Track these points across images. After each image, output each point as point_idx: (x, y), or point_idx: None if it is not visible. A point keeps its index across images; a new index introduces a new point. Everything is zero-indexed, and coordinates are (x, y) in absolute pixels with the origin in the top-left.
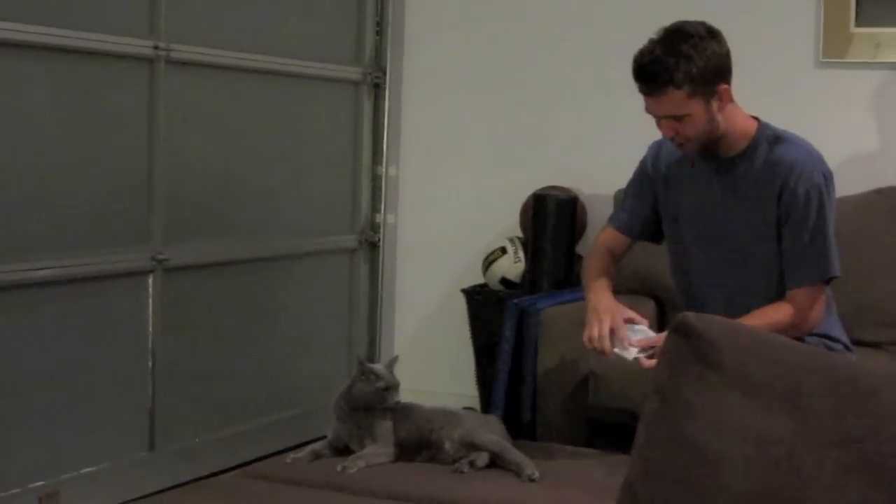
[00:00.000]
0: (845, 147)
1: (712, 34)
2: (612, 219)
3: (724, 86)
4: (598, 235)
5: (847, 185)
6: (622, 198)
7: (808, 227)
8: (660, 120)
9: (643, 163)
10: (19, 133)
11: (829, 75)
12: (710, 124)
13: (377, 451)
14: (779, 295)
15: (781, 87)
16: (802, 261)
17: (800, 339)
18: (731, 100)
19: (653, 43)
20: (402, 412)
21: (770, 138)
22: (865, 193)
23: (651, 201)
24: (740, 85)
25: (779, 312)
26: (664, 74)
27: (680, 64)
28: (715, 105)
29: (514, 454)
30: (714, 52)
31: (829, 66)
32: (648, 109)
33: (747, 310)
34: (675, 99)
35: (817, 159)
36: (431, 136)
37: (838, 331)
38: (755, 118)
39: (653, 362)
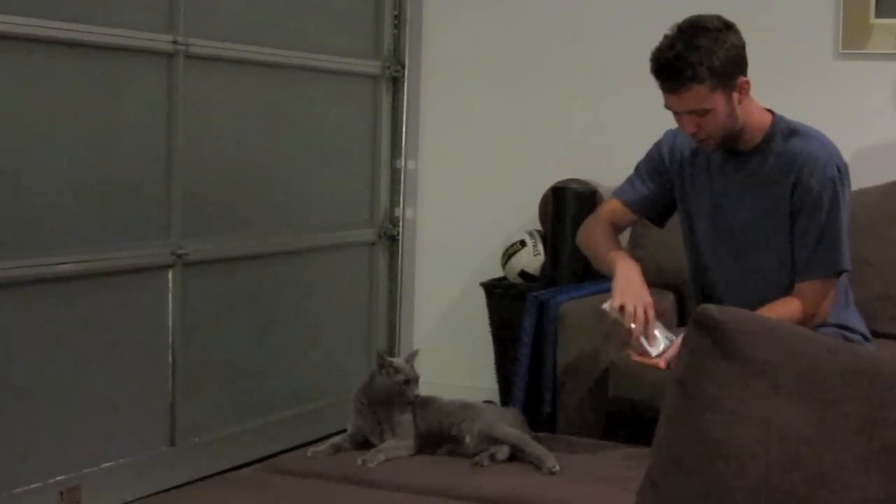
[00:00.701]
0: (865, 138)
1: (729, 27)
2: (618, 192)
3: (744, 78)
4: (602, 206)
5: (867, 176)
6: (632, 174)
7: (820, 220)
8: (681, 116)
9: (658, 146)
10: (39, 129)
11: (849, 66)
12: (731, 118)
13: (397, 445)
14: (793, 288)
15: (801, 78)
16: (813, 255)
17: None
18: (748, 93)
19: (671, 39)
20: (423, 405)
21: (785, 131)
22: (886, 185)
23: (659, 184)
24: (760, 76)
25: (788, 307)
26: (687, 70)
27: (703, 59)
28: (735, 98)
29: (535, 447)
30: (733, 44)
31: (849, 58)
32: (669, 105)
33: (763, 304)
34: (699, 94)
35: (832, 152)
36: (450, 129)
37: (856, 321)
38: (770, 111)
39: (662, 362)
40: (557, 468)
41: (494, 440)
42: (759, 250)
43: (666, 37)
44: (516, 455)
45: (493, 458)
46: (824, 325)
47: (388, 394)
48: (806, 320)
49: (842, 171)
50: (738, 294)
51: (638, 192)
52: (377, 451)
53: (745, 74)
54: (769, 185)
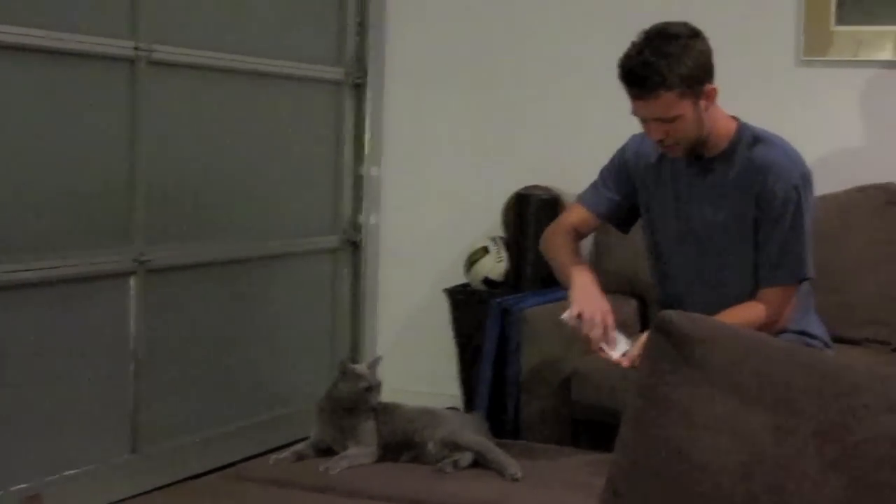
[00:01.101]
0: (827, 145)
1: (696, 34)
2: (581, 198)
3: (711, 86)
4: (565, 212)
5: (829, 183)
6: (596, 179)
7: (783, 227)
8: (648, 123)
9: (623, 151)
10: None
11: (811, 74)
12: (698, 125)
13: (360, 452)
14: (748, 286)
15: (763, 85)
16: (777, 261)
17: (777, 335)
18: (715, 101)
19: (639, 46)
20: (386, 412)
21: (749, 139)
22: (847, 191)
23: (623, 190)
24: (722, 84)
25: (751, 311)
26: (655, 77)
27: (671, 65)
28: (702, 105)
29: (498, 454)
30: (701, 51)
31: (810, 65)
32: (637, 112)
33: (724, 309)
34: (667, 101)
35: (796, 160)
36: (413, 136)
37: (817, 327)
38: (735, 118)
39: (626, 361)
40: (520, 475)
41: (457, 447)
42: (723, 256)
43: (633, 44)
44: (479, 461)
45: (455, 464)
46: (785, 331)
47: (351, 401)
48: (768, 326)
49: (805, 178)
50: (701, 300)
51: (602, 198)
52: (340, 458)
53: (712, 82)
54: (733, 192)
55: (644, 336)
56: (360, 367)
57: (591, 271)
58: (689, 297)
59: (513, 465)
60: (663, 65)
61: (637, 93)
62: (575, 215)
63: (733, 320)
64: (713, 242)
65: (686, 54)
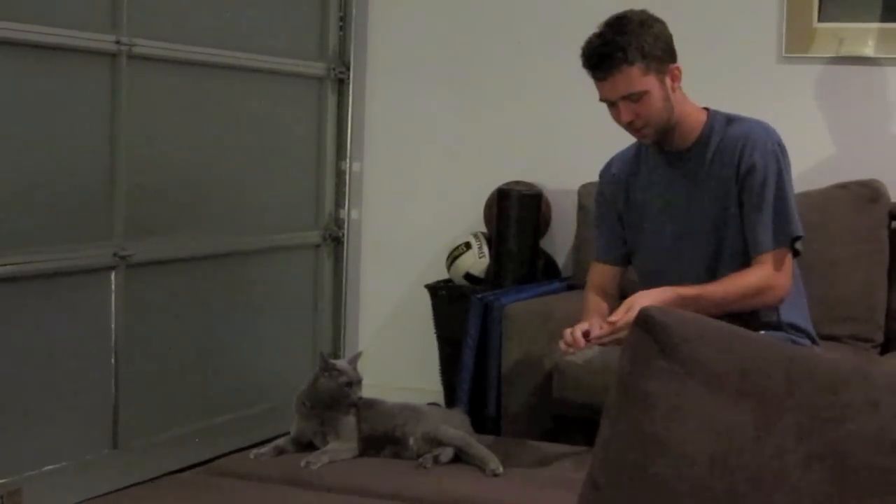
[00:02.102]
0: (808, 142)
1: (656, 19)
2: (595, 255)
3: (675, 65)
4: (589, 275)
5: (809, 179)
6: (595, 236)
7: (767, 192)
8: (616, 106)
9: (599, 192)
10: None
11: (793, 70)
12: (666, 104)
13: (341, 447)
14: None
15: (745, 81)
16: (765, 227)
17: (767, 329)
18: (680, 81)
19: (599, 31)
20: (367, 408)
21: (722, 121)
22: (828, 188)
23: (618, 223)
24: (704, 79)
25: (748, 276)
26: (617, 52)
27: (631, 41)
28: (668, 84)
29: (478, 449)
30: (660, 30)
31: (792, 62)
32: (603, 96)
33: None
34: (631, 76)
35: (769, 130)
36: (395, 131)
37: (804, 321)
38: (705, 108)
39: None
40: (500, 470)
41: (438, 442)
42: (715, 244)
43: (594, 33)
44: (460, 457)
45: (436, 459)
46: (778, 325)
47: (331, 396)
48: (767, 289)
49: (781, 146)
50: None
51: (607, 242)
52: (321, 453)
53: (676, 62)
54: (715, 174)
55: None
56: (341, 363)
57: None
58: None
59: (493, 461)
60: (623, 41)
61: (601, 74)
62: (594, 275)
63: (731, 285)
64: (703, 232)
65: (645, 31)
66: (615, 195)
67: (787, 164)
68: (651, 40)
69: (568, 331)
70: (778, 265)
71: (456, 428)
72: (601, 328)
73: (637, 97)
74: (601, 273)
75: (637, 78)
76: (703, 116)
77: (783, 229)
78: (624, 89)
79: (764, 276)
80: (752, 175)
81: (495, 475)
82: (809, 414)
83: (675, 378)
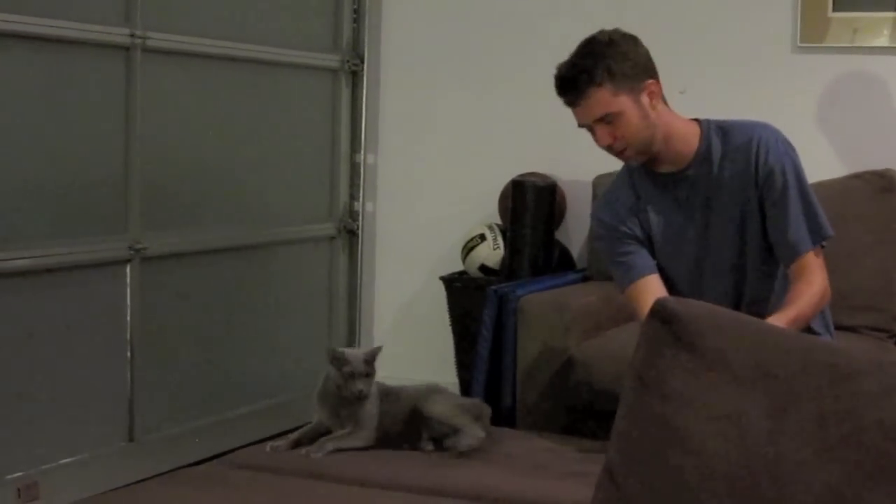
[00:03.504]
0: (823, 132)
1: (626, 38)
2: (625, 280)
3: (651, 81)
4: (636, 310)
5: (825, 169)
6: (619, 271)
7: (791, 194)
8: (594, 130)
9: (608, 229)
10: None
11: (807, 60)
12: (645, 122)
13: (350, 434)
14: (777, 290)
15: (759, 72)
16: (799, 227)
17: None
18: (662, 98)
19: (569, 57)
20: (390, 398)
21: (717, 132)
22: (843, 178)
23: (636, 240)
24: (719, 71)
25: (800, 299)
26: (583, 76)
27: (597, 63)
28: (645, 102)
29: (460, 421)
30: (629, 49)
31: (807, 51)
32: (579, 121)
33: (753, 309)
34: (601, 99)
35: (771, 129)
36: (409, 123)
37: (818, 323)
38: (695, 119)
39: None
40: (473, 445)
41: (423, 417)
42: (736, 262)
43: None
44: (452, 434)
45: (451, 445)
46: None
47: (338, 386)
48: (822, 301)
49: (788, 142)
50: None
51: (640, 258)
52: (325, 441)
53: (652, 78)
54: (727, 189)
55: None
56: (352, 352)
57: None
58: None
59: (467, 438)
60: (589, 63)
61: (571, 99)
62: (643, 295)
63: (798, 311)
64: (722, 252)
65: (611, 52)
66: (624, 222)
67: (799, 160)
68: (619, 59)
69: None
70: (820, 267)
71: (474, 417)
72: None
73: (611, 118)
74: (648, 289)
75: (608, 99)
76: (696, 130)
77: (816, 229)
78: (596, 112)
79: (815, 285)
80: (772, 179)
81: (461, 454)
82: (826, 404)
83: (691, 369)
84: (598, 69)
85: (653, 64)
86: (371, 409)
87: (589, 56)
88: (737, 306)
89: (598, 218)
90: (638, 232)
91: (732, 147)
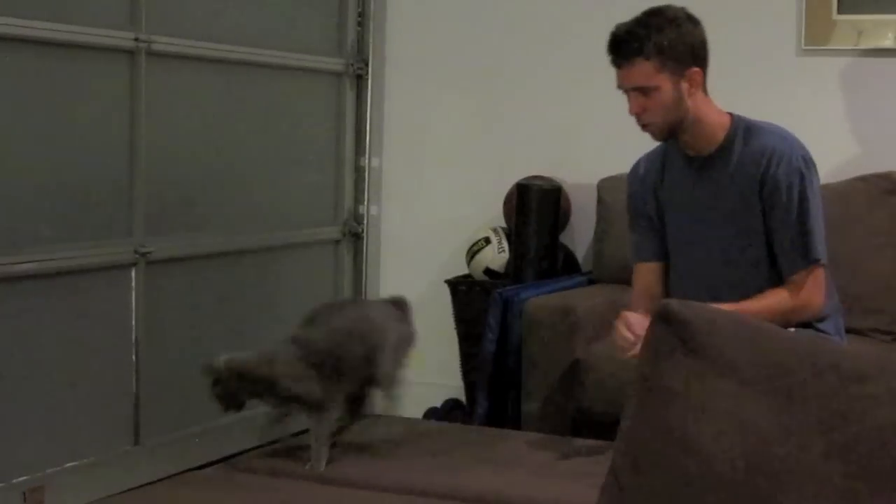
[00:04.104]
0: (828, 135)
1: (690, 18)
2: (633, 256)
3: (696, 69)
4: (633, 280)
5: (830, 172)
6: (630, 234)
7: (793, 211)
8: (629, 95)
9: (629, 194)
10: None
11: (812, 63)
12: (678, 106)
13: (317, 430)
14: (772, 278)
15: (764, 74)
16: (793, 246)
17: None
18: (702, 88)
19: (634, 18)
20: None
21: (744, 131)
22: (848, 181)
23: (653, 222)
24: (723, 73)
25: (777, 297)
26: (633, 43)
27: (651, 35)
28: (684, 87)
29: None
30: (688, 31)
31: (812, 54)
32: (618, 83)
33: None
34: (644, 70)
35: (793, 144)
36: (414, 127)
37: (830, 326)
38: (729, 113)
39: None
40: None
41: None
42: (734, 253)
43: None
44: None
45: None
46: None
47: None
48: (797, 310)
49: (807, 160)
50: (718, 296)
51: (642, 241)
52: (315, 452)
53: (700, 66)
54: (736, 185)
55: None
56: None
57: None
58: (706, 295)
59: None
60: (643, 33)
61: (616, 60)
62: (637, 278)
63: (759, 306)
64: (722, 240)
65: (669, 28)
66: (643, 196)
67: (813, 178)
68: (673, 37)
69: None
70: (808, 285)
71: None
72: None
73: (647, 91)
74: (643, 274)
75: (649, 73)
76: (727, 122)
77: (809, 249)
78: (635, 81)
79: (794, 297)
80: (777, 193)
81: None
82: (833, 407)
83: (698, 373)
84: (650, 42)
85: (705, 52)
86: (305, 390)
87: (647, 27)
88: (720, 290)
89: (628, 181)
90: (652, 212)
91: (751, 150)
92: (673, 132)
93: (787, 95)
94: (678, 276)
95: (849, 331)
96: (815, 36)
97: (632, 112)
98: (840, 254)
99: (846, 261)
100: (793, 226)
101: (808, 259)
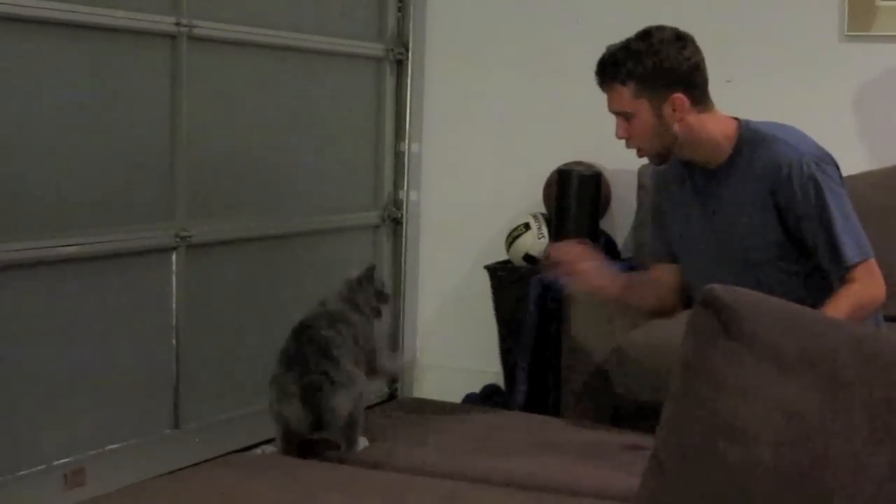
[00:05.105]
0: (870, 121)
1: (679, 39)
2: (651, 251)
3: (678, 94)
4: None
5: (871, 159)
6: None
7: (814, 219)
8: (616, 118)
9: (651, 187)
10: (43, 110)
11: (855, 49)
12: (663, 131)
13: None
14: (798, 296)
15: (806, 61)
16: (828, 255)
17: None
18: (696, 107)
19: (621, 41)
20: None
21: (749, 141)
22: (891, 167)
23: (666, 218)
24: (765, 60)
25: (833, 305)
26: (610, 69)
27: (628, 61)
28: (667, 112)
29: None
30: (669, 56)
31: (855, 40)
32: (608, 106)
33: None
34: (621, 96)
35: (800, 148)
36: (454, 112)
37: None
38: (735, 119)
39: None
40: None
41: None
42: (751, 267)
43: None
44: None
45: None
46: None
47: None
48: (856, 309)
49: (818, 159)
50: None
51: (661, 241)
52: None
53: (685, 91)
54: (747, 198)
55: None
56: None
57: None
58: None
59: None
60: (620, 58)
61: (598, 82)
62: (655, 272)
63: (837, 310)
64: (746, 250)
65: (650, 54)
66: (662, 197)
67: (829, 179)
68: (650, 64)
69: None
70: (861, 281)
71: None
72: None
73: (628, 117)
74: (659, 271)
75: (625, 99)
76: (732, 132)
77: (842, 258)
78: (615, 106)
79: (854, 294)
80: (795, 203)
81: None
82: (877, 393)
83: (741, 358)
84: (626, 68)
85: (695, 74)
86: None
87: (626, 51)
88: None
89: (652, 174)
90: (664, 210)
91: (759, 159)
92: (666, 156)
93: (829, 82)
94: (693, 284)
95: (889, 318)
96: (858, 22)
97: (617, 136)
98: (881, 243)
99: (887, 250)
100: (820, 237)
101: (842, 266)
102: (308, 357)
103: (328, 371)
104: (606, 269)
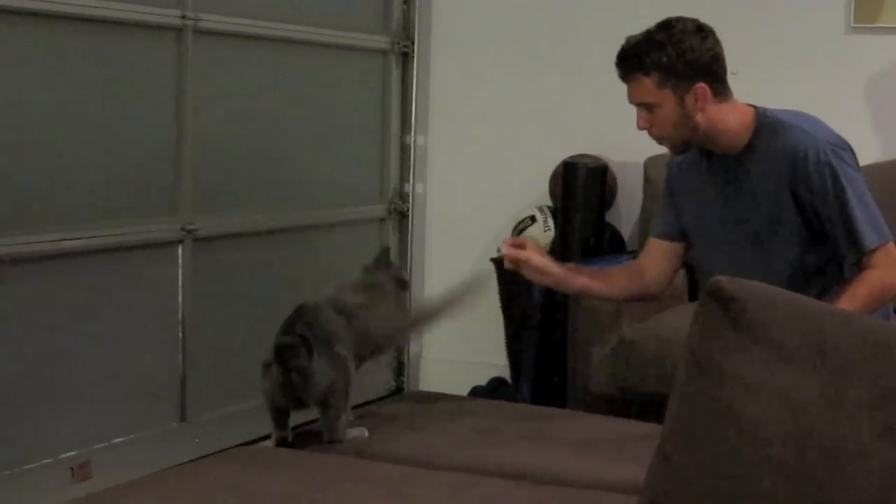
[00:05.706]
0: (876, 113)
1: (700, 30)
2: (651, 229)
3: (701, 84)
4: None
5: (878, 151)
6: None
7: (832, 206)
8: (637, 109)
9: (668, 167)
10: (48, 103)
11: (861, 41)
12: (685, 121)
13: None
14: (813, 286)
15: (812, 53)
16: (846, 241)
17: None
18: (717, 97)
19: (642, 32)
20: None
21: (766, 129)
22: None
23: (678, 206)
24: (771, 51)
25: (850, 293)
26: (633, 60)
27: (651, 51)
28: (690, 102)
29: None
30: (692, 47)
31: (861, 32)
32: (628, 98)
33: None
34: (644, 87)
35: (817, 136)
36: (460, 105)
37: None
38: (752, 107)
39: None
40: None
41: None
42: (769, 254)
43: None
44: None
45: None
46: None
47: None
48: (875, 296)
49: (835, 145)
50: None
51: (666, 221)
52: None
53: (708, 81)
54: (764, 185)
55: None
56: None
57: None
58: None
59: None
60: (643, 49)
61: (620, 74)
62: (646, 247)
63: (854, 300)
64: (755, 241)
65: (673, 45)
66: (678, 181)
67: (845, 165)
68: (675, 54)
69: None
70: (880, 267)
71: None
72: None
73: (651, 108)
74: (650, 248)
75: (650, 90)
76: (750, 120)
77: (861, 243)
78: (638, 97)
79: (873, 280)
80: (812, 190)
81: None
82: (883, 385)
83: (747, 350)
84: (649, 59)
85: (716, 64)
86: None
87: (649, 42)
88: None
89: (669, 161)
90: (676, 193)
91: (774, 150)
92: (687, 145)
93: (835, 73)
94: (706, 271)
95: None
96: (865, 14)
97: (639, 127)
98: (891, 231)
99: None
100: (838, 222)
101: (860, 250)
102: (294, 323)
103: (307, 337)
104: (552, 262)
